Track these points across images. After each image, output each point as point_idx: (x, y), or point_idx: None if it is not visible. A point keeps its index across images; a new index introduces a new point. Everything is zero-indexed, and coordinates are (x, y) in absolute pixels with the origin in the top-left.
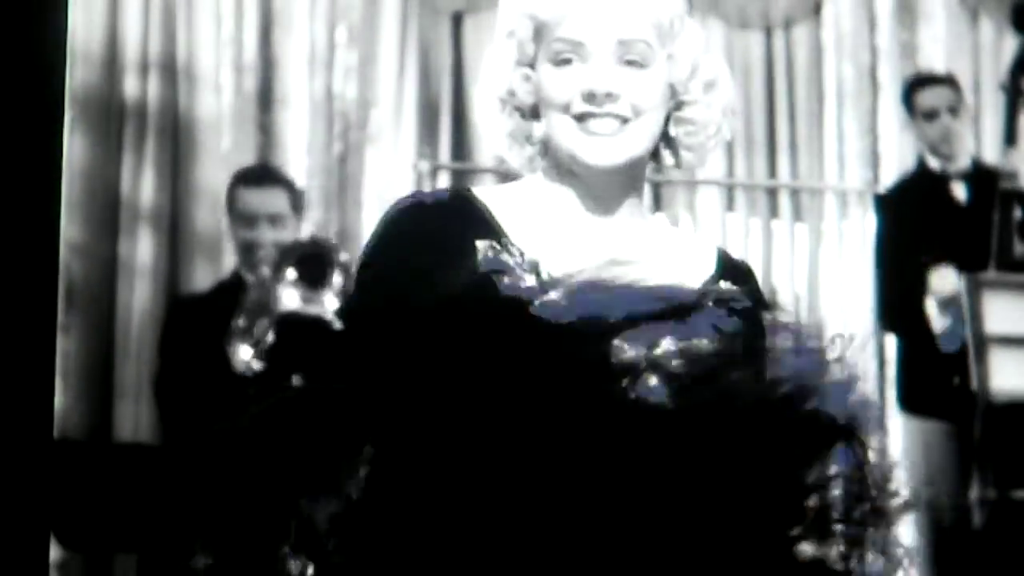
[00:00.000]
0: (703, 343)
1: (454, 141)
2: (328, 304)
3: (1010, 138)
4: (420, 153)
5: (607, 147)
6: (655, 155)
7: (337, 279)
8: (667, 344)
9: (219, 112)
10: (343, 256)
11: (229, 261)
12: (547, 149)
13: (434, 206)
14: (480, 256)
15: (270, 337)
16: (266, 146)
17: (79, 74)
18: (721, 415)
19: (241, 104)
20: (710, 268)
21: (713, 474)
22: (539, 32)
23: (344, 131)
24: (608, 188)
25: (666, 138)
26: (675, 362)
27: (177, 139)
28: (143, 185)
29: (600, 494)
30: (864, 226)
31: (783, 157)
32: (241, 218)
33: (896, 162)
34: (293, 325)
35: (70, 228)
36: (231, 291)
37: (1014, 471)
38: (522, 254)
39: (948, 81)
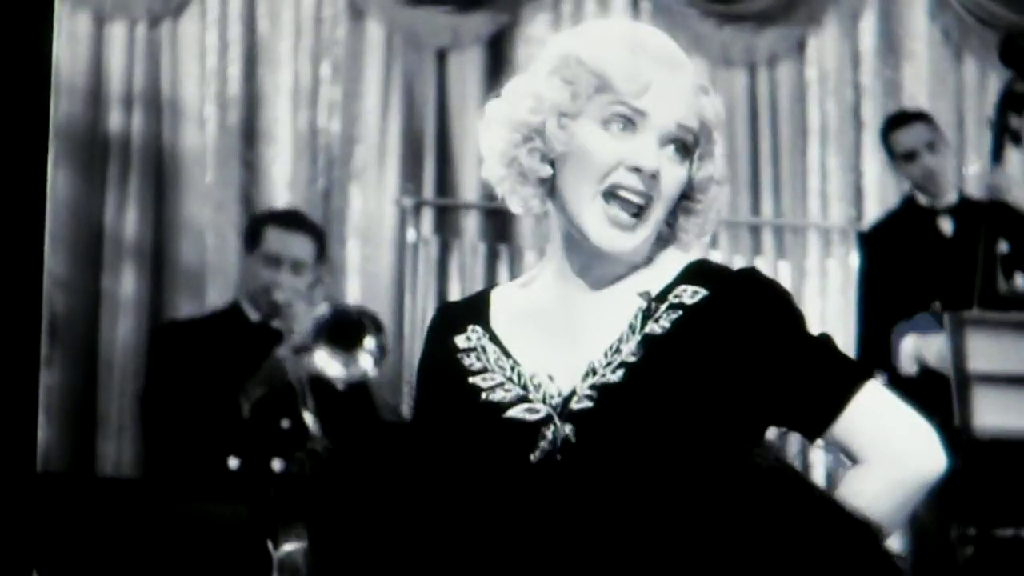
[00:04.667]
0: (615, 375)
1: (438, 177)
2: (364, 364)
3: (996, 158)
4: (404, 189)
5: (620, 238)
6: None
7: (370, 341)
8: (582, 389)
9: (203, 147)
10: (371, 316)
11: (213, 294)
12: (552, 194)
13: (447, 309)
14: (458, 344)
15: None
16: (250, 181)
17: (63, 108)
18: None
19: (225, 139)
20: (670, 277)
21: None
22: (601, 90)
23: (328, 167)
24: (608, 261)
25: (670, 219)
26: (587, 404)
27: (161, 173)
28: (127, 219)
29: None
30: (847, 263)
31: (766, 194)
32: (265, 258)
33: (879, 199)
34: (337, 392)
35: (54, 261)
36: (227, 321)
37: (997, 509)
38: (489, 337)
39: (921, 117)
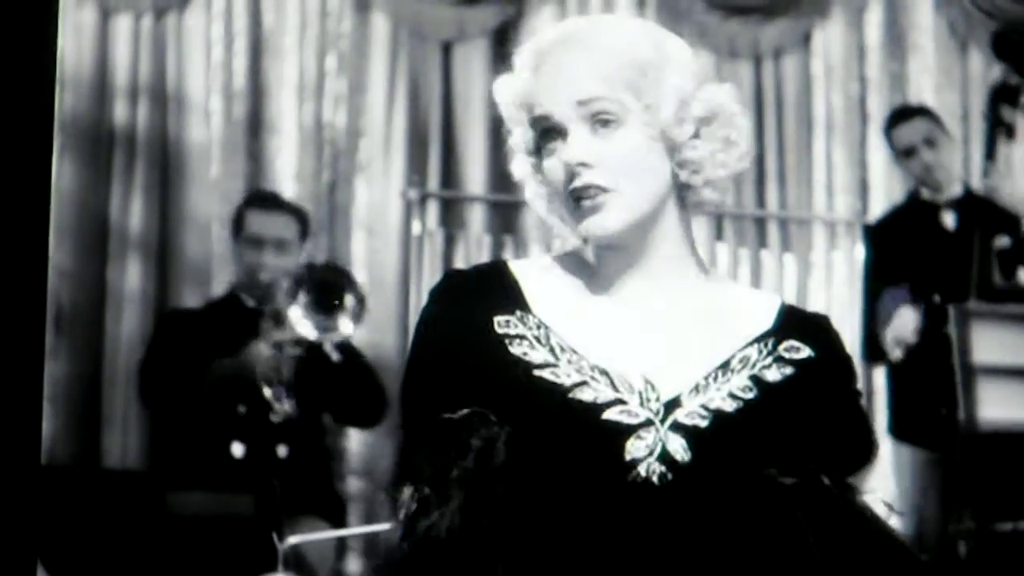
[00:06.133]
0: (726, 402)
1: (443, 169)
2: (344, 329)
3: (990, 155)
4: (409, 181)
5: (597, 220)
6: (681, 199)
7: (350, 301)
8: (692, 404)
9: (208, 139)
10: (353, 278)
11: (218, 286)
12: None
13: (463, 282)
14: (497, 328)
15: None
16: (255, 173)
17: (69, 100)
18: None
19: (230, 131)
20: (767, 323)
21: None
22: (528, 119)
23: (333, 159)
24: (634, 251)
25: (680, 183)
26: (700, 422)
27: (166, 165)
28: (132, 211)
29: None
30: (852, 256)
31: (772, 187)
32: (247, 240)
33: (885, 192)
34: (311, 355)
35: (59, 254)
36: (225, 310)
37: (999, 502)
38: (538, 325)
39: (921, 112)
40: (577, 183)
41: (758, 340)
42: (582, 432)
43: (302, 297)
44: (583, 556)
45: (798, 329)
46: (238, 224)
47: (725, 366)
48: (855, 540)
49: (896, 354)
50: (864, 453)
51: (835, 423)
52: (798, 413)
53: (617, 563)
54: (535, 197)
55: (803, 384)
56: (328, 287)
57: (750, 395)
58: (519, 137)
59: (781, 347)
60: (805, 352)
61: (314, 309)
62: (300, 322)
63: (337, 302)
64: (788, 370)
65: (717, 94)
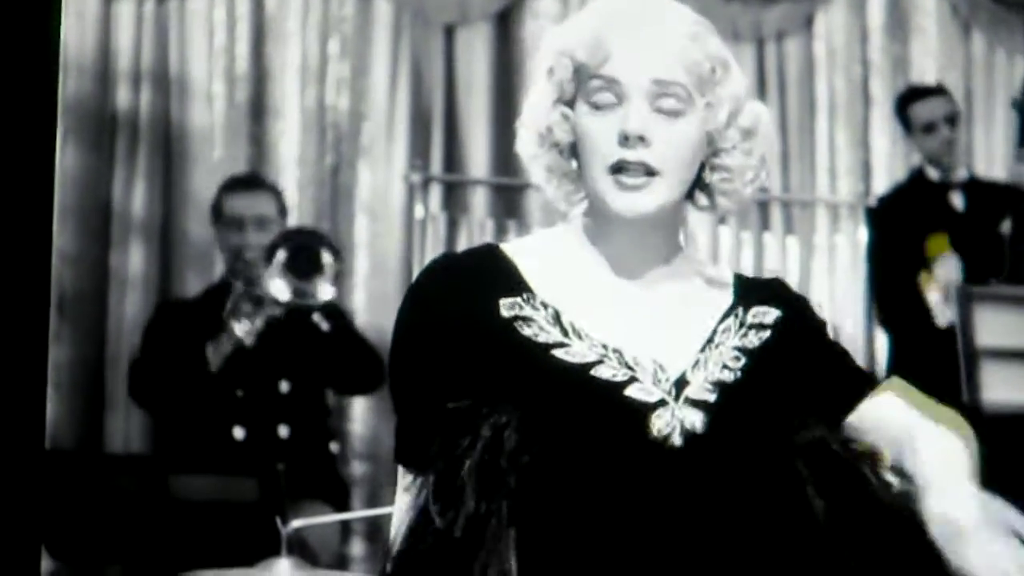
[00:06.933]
0: (725, 374)
1: (446, 153)
2: (322, 293)
3: (1023, 143)
4: (412, 165)
5: (635, 199)
6: (690, 196)
7: (328, 260)
8: (698, 380)
9: (211, 123)
10: (327, 238)
11: (220, 270)
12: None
13: (458, 265)
14: (503, 311)
15: (258, 322)
16: (258, 157)
17: (72, 85)
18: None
19: (233, 115)
20: (729, 297)
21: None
22: (578, 72)
23: (336, 143)
24: (642, 231)
25: (702, 183)
26: (709, 396)
27: (169, 150)
28: (135, 195)
29: (622, 536)
30: (855, 239)
31: (774, 170)
32: (229, 224)
33: (887, 175)
34: (281, 319)
35: (62, 238)
36: (219, 296)
37: (1004, 483)
38: (545, 306)
39: (940, 91)
40: (629, 155)
41: (728, 314)
42: (606, 410)
43: (277, 260)
44: (616, 530)
45: (756, 295)
46: (217, 211)
47: (711, 341)
48: (861, 503)
49: (943, 318)
50: (858, 387)
51: (824, 367)
52: (788, 369)
53: (647, 538)
54: (535, 143)
55: (782, 342)
56: (303, 249)
57: (741, 363)
58: (555, 86)
59: (749, 315)
60: (773, 314)
61: (290, 272)
62: (274, 283)
63: (313, 265)
64: (765, 334)
65: (761, 111)
